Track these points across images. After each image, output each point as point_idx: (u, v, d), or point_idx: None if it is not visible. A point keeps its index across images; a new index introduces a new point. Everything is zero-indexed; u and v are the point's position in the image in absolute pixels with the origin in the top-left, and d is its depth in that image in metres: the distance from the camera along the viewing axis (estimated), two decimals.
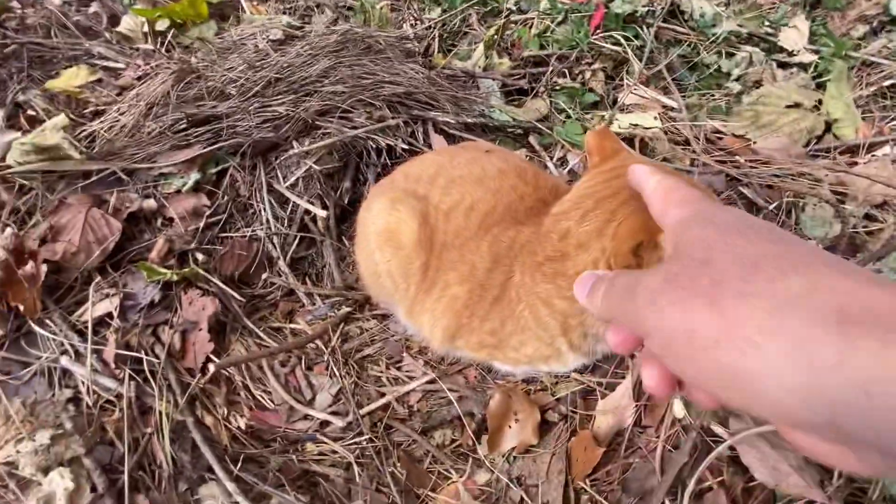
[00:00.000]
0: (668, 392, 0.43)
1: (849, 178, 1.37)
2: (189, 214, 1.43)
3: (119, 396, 1.05)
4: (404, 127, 1.78)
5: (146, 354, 1.13)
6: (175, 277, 1.29)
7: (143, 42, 1.95)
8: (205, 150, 1.46)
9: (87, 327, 1.13)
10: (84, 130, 1.48)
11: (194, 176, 1.45)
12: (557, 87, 2.00)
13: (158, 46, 1.81)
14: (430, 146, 1.82)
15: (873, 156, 1.52)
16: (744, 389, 0.32)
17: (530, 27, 2.19)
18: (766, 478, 0.85)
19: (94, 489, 0.92)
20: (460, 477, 1.07)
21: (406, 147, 1.75)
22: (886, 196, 1.30)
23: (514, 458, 1.08)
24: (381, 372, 1.31)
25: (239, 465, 0.99)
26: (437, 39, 2.33)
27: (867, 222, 1.27)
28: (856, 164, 1.50)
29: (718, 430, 0.94)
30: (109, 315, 1.18)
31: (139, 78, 1.57)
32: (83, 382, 1.05)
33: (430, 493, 1.04)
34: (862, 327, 0.29)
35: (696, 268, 0.36)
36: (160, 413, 1.02)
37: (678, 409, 1.00)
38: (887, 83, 1.81)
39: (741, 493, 0.89)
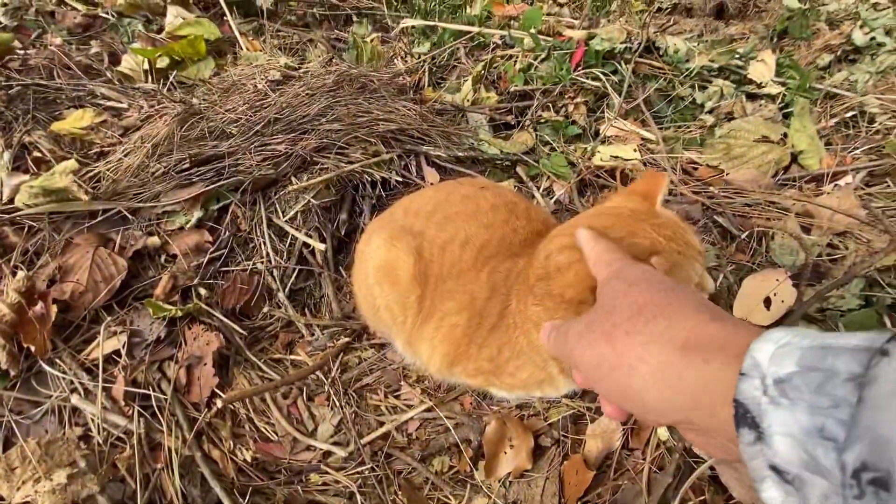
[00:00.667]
0: (619, 415, 0.56)
1: (814, 208, 1.47)
2: (192, 250, 1.49)
3: (129, 433, 1.08)
4: (398, 160, 1.86)
5: (153, 390, 1.17)
6: (179, 313, 1.33)
7: (144, 80, 2.03)
8: (207, 189, 1.53)
9: (95, 365, 1.17)
10: (90, 171, 1.54)
11: (197, 213, 1.51)
12: (542, 121, 2.11)
13: (160, 86, 1.88)
14: (422, 178, 1.90)
15: (836, 185, 1.63)
16: (633, 400, 0.46)
17: (515, 62, 2.31)
18: (744, 497, 0.91)
19: None
20: (459, 503, 1.11)
21: (400, 179, 1.83)
22: (848, 226, 1.41)
23: (510, 482, 1.13)
24: (380, 401, 1.36)
25: (247, 498, 1.03)
26: (427, 73, 2.44)
27: (831, 250, 1.37)
28: (821, 193, 1.61)
29: (700, 451, 1.01)
30: (117, 352, 1.22)
31: (143, 119, 1.64)
32: (93, 420, 1.09)
33: None
34: (697, 352, 0.42)
35: (604, 315, 0.51)
36: (169, 449, 1.06)
37: (662, 432, 1.07)
38: (849, 114, 1.95)
39: None
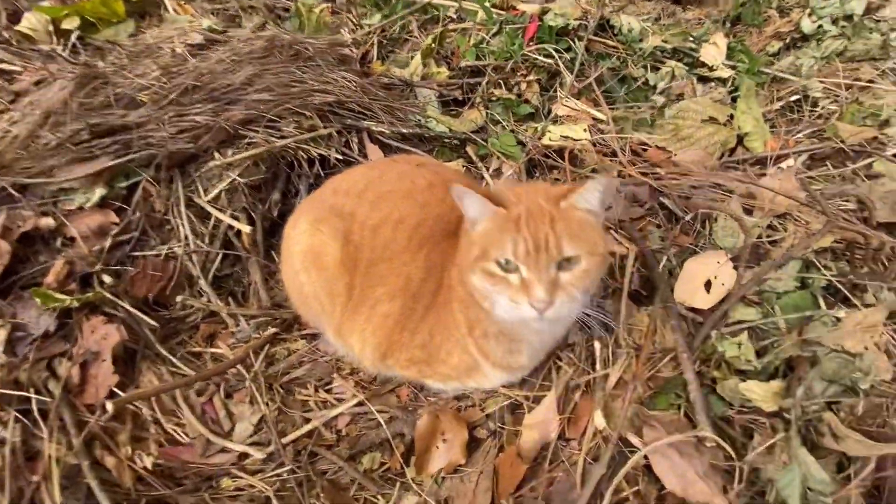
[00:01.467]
0: None
1: (757, 190, 1.46)
2: (94, 233, 1.32)
3: (2, 442, 0.94)
4: (338, 137, 1.72)
5: (37, 393, 1.03)
6: (76, 304, 1.18)
7: (47, 42, 1.79)
8: (112, 163, 1.35)
9: None
10: None
11: (100, 191, 1.34)
12: (493, 98, 2.01)
13: (62, 48, 1.66)
14: (365, 156, 1.77)
15: (779, 167, 1.63)
16: None
17: (469, 37, 2.20)
18: (675, 486, 0.88)
19: None
20: (388, 503, 1.04)
21: (340, 157, 1.70)
22: (788, 207, 1.40)
23: (443, 479, 1.06)
24: (310, 396, 1.26)
25: None
26: (375, 46, 2.29)
27: (771, 232, 1.36)
28: (764, 175, 1.60)
29: (634, 440, 0.97)
30: None
31: (37, 83, 1.43)
32: None
33: None
34: None
35: None
36: (50, 457, 0.92)
37: (599, 421, 1.03)
38: (793, 98, 1.96)
39: (655, 501, 0.92)
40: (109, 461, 0.99)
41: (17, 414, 0.98)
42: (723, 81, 2.07)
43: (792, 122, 1.89)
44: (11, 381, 1.03)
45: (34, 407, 1.00)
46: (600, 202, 0.94)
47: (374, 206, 1.19)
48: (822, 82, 1.90)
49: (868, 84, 1.90)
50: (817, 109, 1.90)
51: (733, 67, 2.11)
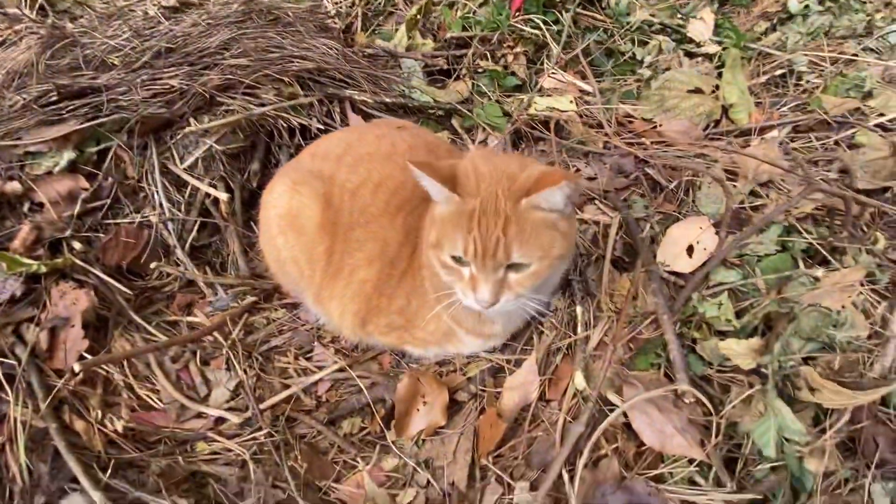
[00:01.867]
0: None
1: (741, 159, 1.46)
2: (63, 198, 1.27)
3: None
4: (319, 106, 1.68)
5: (3, 357, 0.99)
6: (44, 269, 1.14)
7: (13, 4, 1.71)
8: (81, 126, 1.30)
9: None
10: None
11: (68, 155, 1.29)
12: (480, 70, 1.98)
13: (29, 10, 1.59)
14: (347, 126, 1.74)
15: (763, 139, 1.63)
16: None
17: (455, 9, 2.16)
18: (653, 441, 0.88)
19: None
20: (367, 465, 1.03)
21: (322, 127, 1.65)
22: (771, 174, 1.40)
23: (423, 441, 1.06)
24: (289, 363, 1.24)
25: (110, 472, 0.89)
26: (360, 17, 2.24)
27: (753, 198, 1.36)
28: (748, 146, 1.60)
29: (614, 398, 0.97)
30: None
31: (0, 43, 1.37)
32: None
33: (333, 484, 1.00)
34: None
35: None
36: (15, 420, 0.89)
37: (579, 381, 1.02)
38: (778, 72, 1.95)
39: (633, 458, 0.92)
40: (79, 425, 0.96)
41: None
42: (709, 57, 2.06)
43: (776, 96, 1.89)
44: None
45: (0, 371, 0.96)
46: (565, 203, 0.89)
47: (352, 170, 1.16)
48: (806, 55, 1.90)
49: (853, 57, 1.90)
50: (802, 83, 1.90)
51: (720, 43, 2.10)
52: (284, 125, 1.58)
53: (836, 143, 1.58)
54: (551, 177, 0.86)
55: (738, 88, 1.71)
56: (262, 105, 1.53)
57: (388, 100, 1.73)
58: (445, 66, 1.96)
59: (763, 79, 1.93)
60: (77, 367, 0.94)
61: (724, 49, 2.06)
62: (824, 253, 1.13)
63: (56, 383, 0.99)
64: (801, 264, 1.12)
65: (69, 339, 1.07)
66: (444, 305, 0.97)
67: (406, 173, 1.16)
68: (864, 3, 2.29)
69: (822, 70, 1.90)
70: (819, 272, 1.03)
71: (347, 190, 1.15)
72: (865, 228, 1.25)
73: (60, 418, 0.95)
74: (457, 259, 0.90)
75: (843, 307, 0.98)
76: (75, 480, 0.87)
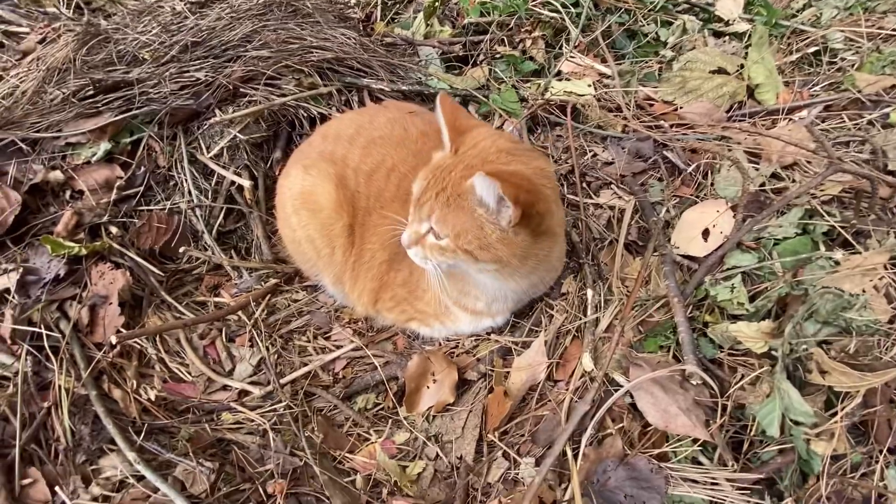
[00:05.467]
0: None
1: (764, 141, 1.41)
2: (101, 186, 1.36)
3: (16, 373, 1.00)
4: (338, 95, 1.72)
5: (49, 330, 1.08)
6: (84, 251, 1.23)
7: (51, 3, 1.82)
8: (116, 119, 1.38)
9: None
10: None
11: (104, 145, 1.38)
12: (497, 56, 1.97)
13: (66, 8, 1.69)
14: None
15: (791, 119, 1.57)
16: None
17: None
18: (657, 420, 0.89)
19: None
20: (380, 438, 1.07)
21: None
22: (797, 157, 1.35)
23: (433, 417, 1.09)
24: (308, 342, 1.30)
25: (143, 435, 0.96)
26: (379, 6, 2.26)
27: (776, 182, 1.32)
28: (773, 128, 1.55)
29: (621, 379, 0.98)
30: (8, 291, 1.11)
31: (41, 41, 1.46)
32: None
33: (347, 454, 1.05)
34: None
35: None
36: (60, 387, 0.98)
37: (587, 363, 1.03)
38: (811, 50, 1.86)
39: (638, 436, 0.93)
40: (116, 393, 1.05)
41: (31, 348, 1.04)
42: (738, 36, 1.98)
43: (808, 76, 1.81)
44: (25, 319, 1.09)
45: (46, 344, 1.05)
46: (495, 201, 0.84)
47: (365, 152, 1.19)
48: (842, 31, 1.80)
49: (893, 33, 1.79)
50: (836, 61, 1.81)
51: (751, 21, 2.02)
52: (305, 115, 1.63)
53: (870, 122, 1.51)
54: (490, 172, 0.81)
55: (766, 67, 1.65)
56: (283, 95, 1.58)
57: (404, 88, 1.76)
58: (463, 53, 1.96)
59: (794, 57, 1.85)
60: (114, 340, 1.02)
61: (754, 28, 1.97)
62: (846, 236, 1.09)
63: (96, 355, 1.08)
64: (821, 248, 1.09)
65: (107, 316, 1.15)
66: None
67: (419, 158, 1.19)
68: None
69: (860, 47, 1.81)
70: (839, 255, 1.00)
71: (363, 172, 1.18)
72: (895, 211, 1.20)
73: (100, 387, 1.04)
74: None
75: (863, 291, 0.95)
76: (112, 442, 0.95)
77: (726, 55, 1.69)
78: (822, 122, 1.59)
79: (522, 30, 2.02)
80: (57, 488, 0.89)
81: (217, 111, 1.53)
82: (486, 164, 0.88)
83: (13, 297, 1.10)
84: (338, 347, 1.28)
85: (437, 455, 1.03)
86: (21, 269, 1.14)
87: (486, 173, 0.78)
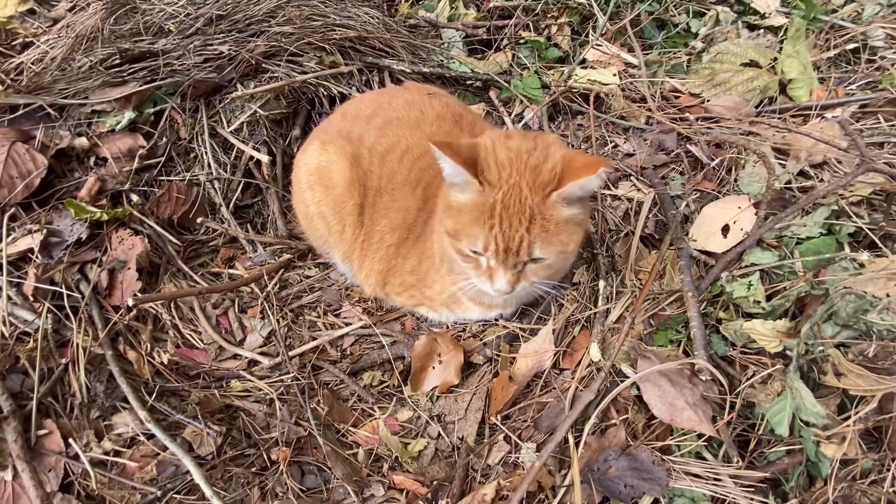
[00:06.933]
0: None
1: (794, 137, 1.37)
2: (124, 155, 1.39)
3: (36, 329, 1.03)
4: (358, 75, 1.72)
5: (70, 291, 1.12)
6: (105, 217, 1.26)
7: None
8: (140, 88, 1.40)
9: (10, 262, 1.11)
10: (12, 62, 1.41)
11: (129, 114, 1.40)
12: (521, 41, 1.94)
13: None
14: None
15: (823, 117, 1.51)
16: None
17: None
18: (663, 413, 0.87)
19: None
20: (384, 414, 1.09)
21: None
22: (827, 155, 1.30)
23: (437, 397, 1.10)
24: (318, 318, 1.32)
25: (155, 396, 0.99)
26: None
27: (802, 180, 1.28)
28: (804, 125, 1.49)
29: (628, 371, 0.97)
30: (31, 250, 1.15)
31: (71, 9, 1.48)
32: None
33: (350, 427, 1.06)
34: None
35: None
36: (77, 346, 1.01)
37: (594, 353, 1.03)
38: (850, 46, 1.79)
39: (642, 429, 0.92)
40: (131, 355, 1.08)
41: (52, 307, 1.07)
42: (774, 31, 1.91)
43: (845, 73, 1.73)
44: (47, 279, 1.12)
45: (66, 303, 1.09)
46: (584, 190, 0.85)
47: (381, 133, 1.19)
48: (883, 28, 1.72)
49: None
50: (875, 59, 1.73)
51: (788, 15, 1.94)
52: (325, 93, 1.63)
53: None
54: (585, 164, 0.81)
55: (801, 62, 1.59)
56: (304, 73, 1.59)
57: (426, 70, 1.74)
58: (486, 37, 1.94)
59: (831, 53, 1.77)
60: (131, 302, 1.05)
61: (791, 21, 1.90)
62: (874, 238, 1.05)
63: (113, 317, 1.11)
64: (846, 249, 1.05)
65: (125, 280, 1.18)
66: (448, 270, 0.99)
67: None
68: None
69: None
70: (864, 256, 0.97)
71: (377, 153, 1.18)
72: None
73: (116, 347, 1.07)
74: (474, 251, 0.89)
75: (887, 294, 0.92)
76: (125, 401, 0.98)
77: (759, 48, 1.63)
78: (857, 121, 1.53)
79: (549, 15, 1.98)
80: (71, 440, 0.93)
81: (239, 85, 1.54)
82: (536, 171, 0.84)
83: (37, 257, 1.13)
84: (347, 324, 1.29)
85: (440, 434, 1.03)
86: (45, 231, 1.18)
87: (584, 172, 0.80)
